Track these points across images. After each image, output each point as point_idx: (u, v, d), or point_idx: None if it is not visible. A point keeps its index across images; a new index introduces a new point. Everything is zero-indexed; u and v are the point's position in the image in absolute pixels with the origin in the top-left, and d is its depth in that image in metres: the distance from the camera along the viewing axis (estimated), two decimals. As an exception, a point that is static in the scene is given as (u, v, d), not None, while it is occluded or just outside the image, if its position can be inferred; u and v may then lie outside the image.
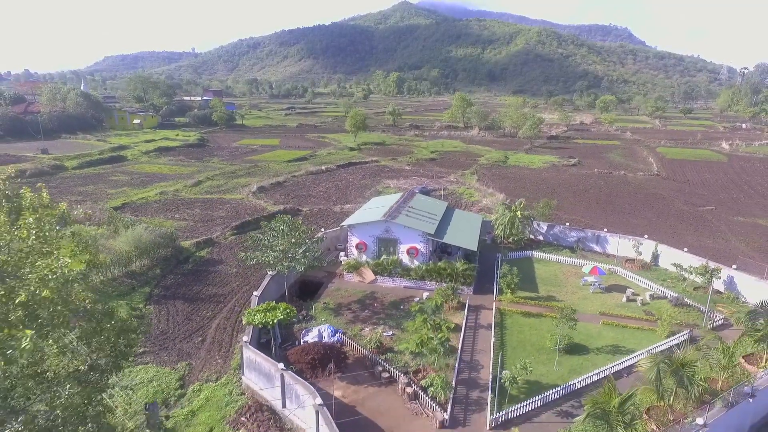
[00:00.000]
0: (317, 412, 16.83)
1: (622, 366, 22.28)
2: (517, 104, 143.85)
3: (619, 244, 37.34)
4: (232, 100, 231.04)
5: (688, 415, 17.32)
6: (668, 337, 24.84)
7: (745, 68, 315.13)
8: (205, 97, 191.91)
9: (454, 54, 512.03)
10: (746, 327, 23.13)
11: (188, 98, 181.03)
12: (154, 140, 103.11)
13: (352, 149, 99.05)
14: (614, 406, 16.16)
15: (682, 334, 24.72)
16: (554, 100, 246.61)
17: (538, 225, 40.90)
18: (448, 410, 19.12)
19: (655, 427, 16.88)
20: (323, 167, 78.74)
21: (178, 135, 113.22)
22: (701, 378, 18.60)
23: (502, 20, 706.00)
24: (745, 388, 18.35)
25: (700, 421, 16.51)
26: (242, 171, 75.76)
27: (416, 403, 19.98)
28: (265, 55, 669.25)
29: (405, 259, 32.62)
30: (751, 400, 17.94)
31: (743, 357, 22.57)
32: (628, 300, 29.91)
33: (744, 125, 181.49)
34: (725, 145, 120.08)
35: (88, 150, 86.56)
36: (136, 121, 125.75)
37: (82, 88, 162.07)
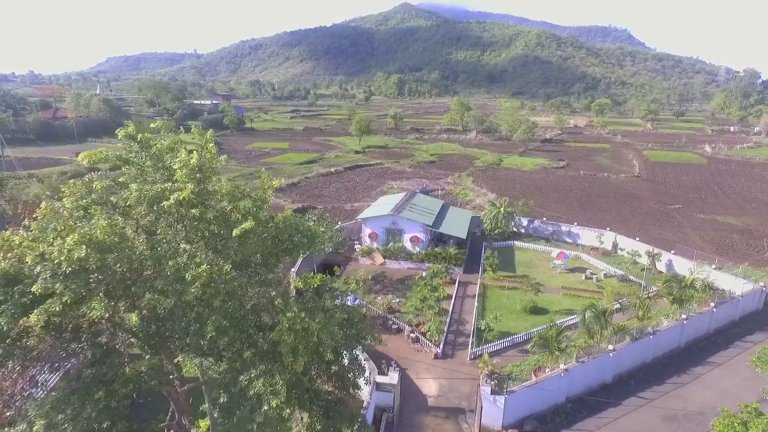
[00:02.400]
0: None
1: (570, 322, 29.78)
2: (513, 108, 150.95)
3: (586, 235, 45.05)
4: (236, 102, 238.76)
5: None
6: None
7: (737, 72, 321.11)
8: (214, 101, 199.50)
9: (454, 56, 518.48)
10: (664, 291, 30.72)
11: (198, 102, 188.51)
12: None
13: (357, 152, 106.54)
14: (552, 337, 23.75)
15: (619, 299, 32.31)
16: (551, 102, 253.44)
17: (520, 220, 48.47)
18: (441, 347, 26.75)
19: (582, 352, 24.37)
20: (332, 169, 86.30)
21: (193, 139, 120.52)
22: (622, 326, 26.19)
23: (502, 22, 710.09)
24: (649, 329, 25.92)
25: (609, 347, 24.07)
26: (259, 173, 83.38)
27: (417, 344, 27.59)
28: (267, 56, 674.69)
29: (408, 245, 40.30)
30: (651, 337, 25.52)
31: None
32: (587, 278, 37.51)
33: (732, 128, 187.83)
34: (708, 149, 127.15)
35: (114, 153, 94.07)
36: (153, 125, 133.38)
37: (97, 92, 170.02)
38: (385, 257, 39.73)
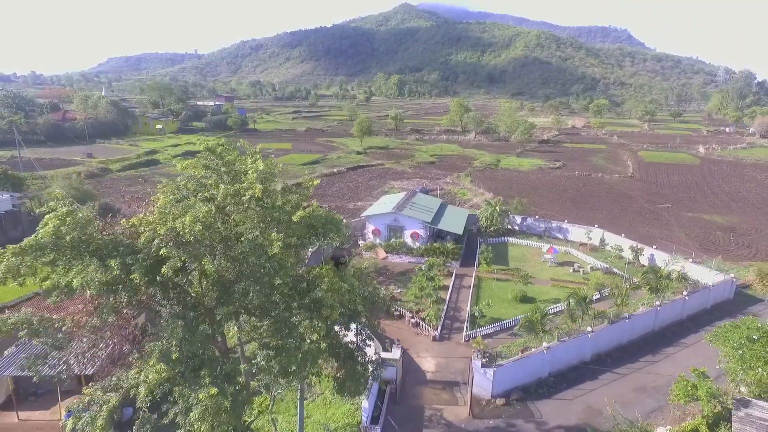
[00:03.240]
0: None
1: (557, 309, 32.68)
2: (511, 110, 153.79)
3: (575, 232, 48.00)
4: (238, 102, 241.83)
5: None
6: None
7: (734, 72, 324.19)
8: (217, 102, 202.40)
9: (454, 57, 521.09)
10: (642, 282, 33.67)
11: (201, 103, 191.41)
12: (180, 144, 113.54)
13: (359, 153, 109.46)
14: (537, 320, 26.69)
15: (603, 289, 35.25)
16: (550, 103, 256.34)
17: (514, 218, 51.40)
18: (438, 331, 29.69)
19: (563, 333, 27.26)
20: (335, 170, 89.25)
21: (199, 140, 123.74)
22: (602, 311, 29.11)
23: (502, 23, 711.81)
24: (625, 314, 28.86)
25: (588, 329, 26.99)
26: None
27: (417, 328, 30.54)
28: (267, 57, 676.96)
29: (409, 241, 43.23)
30: (627, 321, 28.46)
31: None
32: (574, 271, 40.43)
33: (728, 129, 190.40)
34: (701, 149, 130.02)
35: (124, 154, 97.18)
36: (159, 126, 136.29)
37: (102, 94, 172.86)
38: (387, 252, 42.66)
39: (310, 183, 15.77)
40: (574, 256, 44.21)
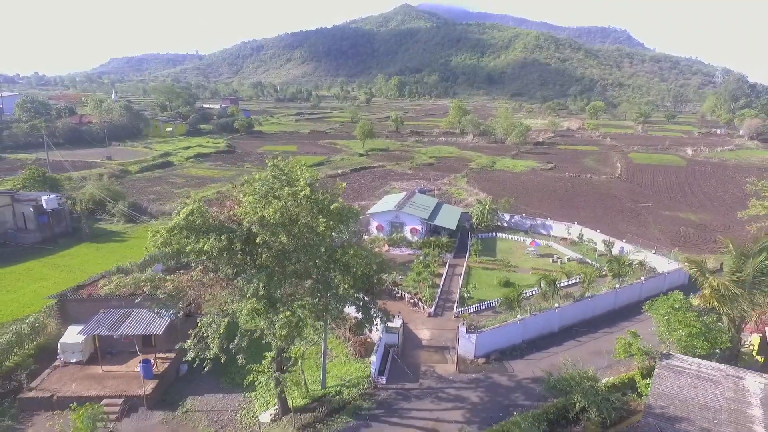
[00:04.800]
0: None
1: (534, 292, 38.38)
2: (507, 113, 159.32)
3: (557, 228, 53.83)
4: (242, 104, 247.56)
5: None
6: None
7: (731, 71, 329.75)
8: (223, 105, 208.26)
9: (453, 58, 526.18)
10: (607, 268, 39.48)
11: (208, 106, 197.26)
12: (191, 147, 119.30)
13: (361, 155, 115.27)
14: (515, 297, 32.49)
15: (576, 276, 41.04)
16: (548, 105, 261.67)
17: (502, 215, 57.20)
18: (433, 308, 35.49)
19: (535, 309, 32.99)
20: (339, 171, 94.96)
21: (208, 142, 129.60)
22: (570, 293, 34.88)
23: (501, 24, 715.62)
24: (588, 294, 34.66)
25: (556, 305, 32.77)
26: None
27: (415, 307, 36.33)
28: (268, 57, 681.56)
29: (408, 236, 49.05)
30: (590, 300, 34.27)
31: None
32: (553, 261, 46.20)
33: (719, 131, 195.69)
34: (689, 151, 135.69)
35: (140, 156, 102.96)
36: (169, 129, 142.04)
37: (112, 97, 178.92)
38: (389, 245, 48.43)
39: (340, 186, 21.70)
40: (555, 248, 50.03)
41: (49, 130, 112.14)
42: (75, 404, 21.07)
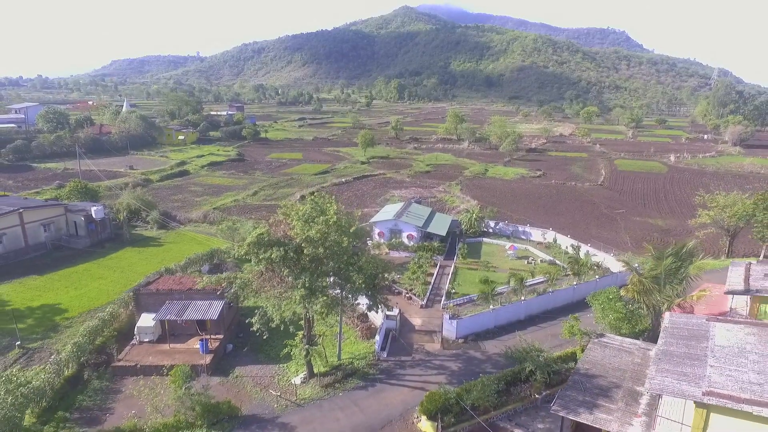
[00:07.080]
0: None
1: (506, 288, 46.48)
2: (501, 121, 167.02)
3: (534, 233, 62.09)
4: (245, 109, 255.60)
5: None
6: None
7: (725, 73, 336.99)
8: (229, 111, 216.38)
9: (453, 61, 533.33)
10: (570, 267, 47.71)
11: (215, 113, 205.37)
12: (203, 155, 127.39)
13: (363, 163, 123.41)
14: (489, 292, 40.71)
15: (542, 275, 49.24)
16: (544, 109, 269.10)
17: (488, 222, 65.43)
18: (424, 301, 43.73)
19: (505, 301, 41.15)
20: (343, 179, 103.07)
21: (219, 150, 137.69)
22: (536, 288, 43.13)
23: (500, 26, 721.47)
24: (549, 289, 42.86)
25: (522, 298, 40.96)
26: (283, 183, 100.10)
27: (410, 300, 44.57)
28: (269, 60, 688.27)
29: (405, 241, 57.27)
30: (551, 293, 42.48)
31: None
32: (528, 263, 54.42)
33: (706, 137, 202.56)
34: (672, 158, 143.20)
35: (159, 165, 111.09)
36: (181, 137, 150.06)
37: (125, 106, 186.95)
38: (389, 249, 56.65)
39: (359, 212, 30.38)
40: (531, 251, 58.26)
41: (72, 140, 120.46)
42: (166, 367, 29.44)
